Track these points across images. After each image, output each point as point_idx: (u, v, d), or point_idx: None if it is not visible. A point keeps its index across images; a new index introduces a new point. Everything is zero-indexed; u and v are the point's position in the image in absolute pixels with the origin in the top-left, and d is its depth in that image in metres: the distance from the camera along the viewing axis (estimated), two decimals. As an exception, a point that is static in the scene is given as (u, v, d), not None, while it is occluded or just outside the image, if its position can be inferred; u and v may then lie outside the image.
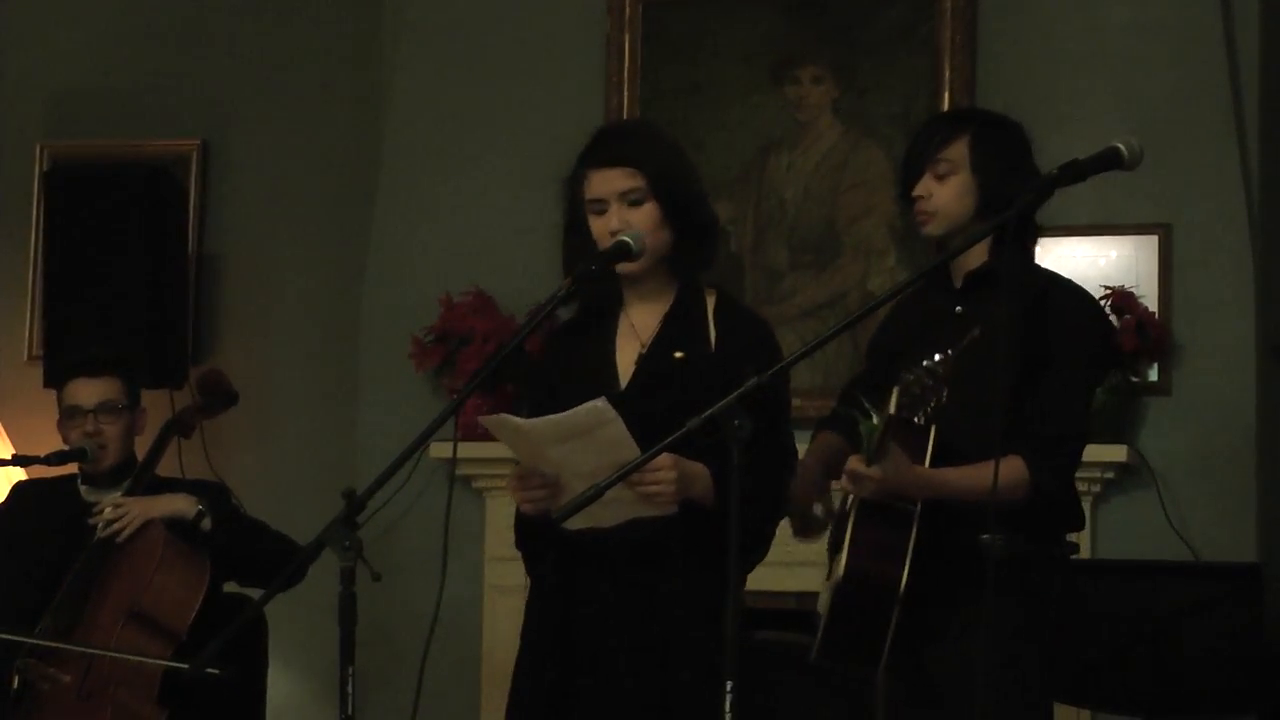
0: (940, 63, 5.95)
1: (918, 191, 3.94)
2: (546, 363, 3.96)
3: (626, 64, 6.21)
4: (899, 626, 3.75)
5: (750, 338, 3.88)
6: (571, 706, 3.79)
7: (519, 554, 4.00)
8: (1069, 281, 4.00)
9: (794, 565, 5.36)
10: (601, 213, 3.84)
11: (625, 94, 6.19)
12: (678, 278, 3.91)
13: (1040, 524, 3.85)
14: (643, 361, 3.84)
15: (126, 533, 4.91)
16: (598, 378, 3.82)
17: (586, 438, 3.61)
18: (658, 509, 3.69)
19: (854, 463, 3.78)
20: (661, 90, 6.18)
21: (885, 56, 6.02)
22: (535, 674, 3.86)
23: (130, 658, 4.81)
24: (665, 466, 3.65)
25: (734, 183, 6.08)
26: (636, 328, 3.89)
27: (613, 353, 3.88)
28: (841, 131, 6.05)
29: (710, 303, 3.92)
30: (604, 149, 3.88)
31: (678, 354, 3.83)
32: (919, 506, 3.78)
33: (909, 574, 3.73)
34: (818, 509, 4.06)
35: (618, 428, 3.58)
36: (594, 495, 3.41)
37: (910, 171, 3.97)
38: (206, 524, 4.95)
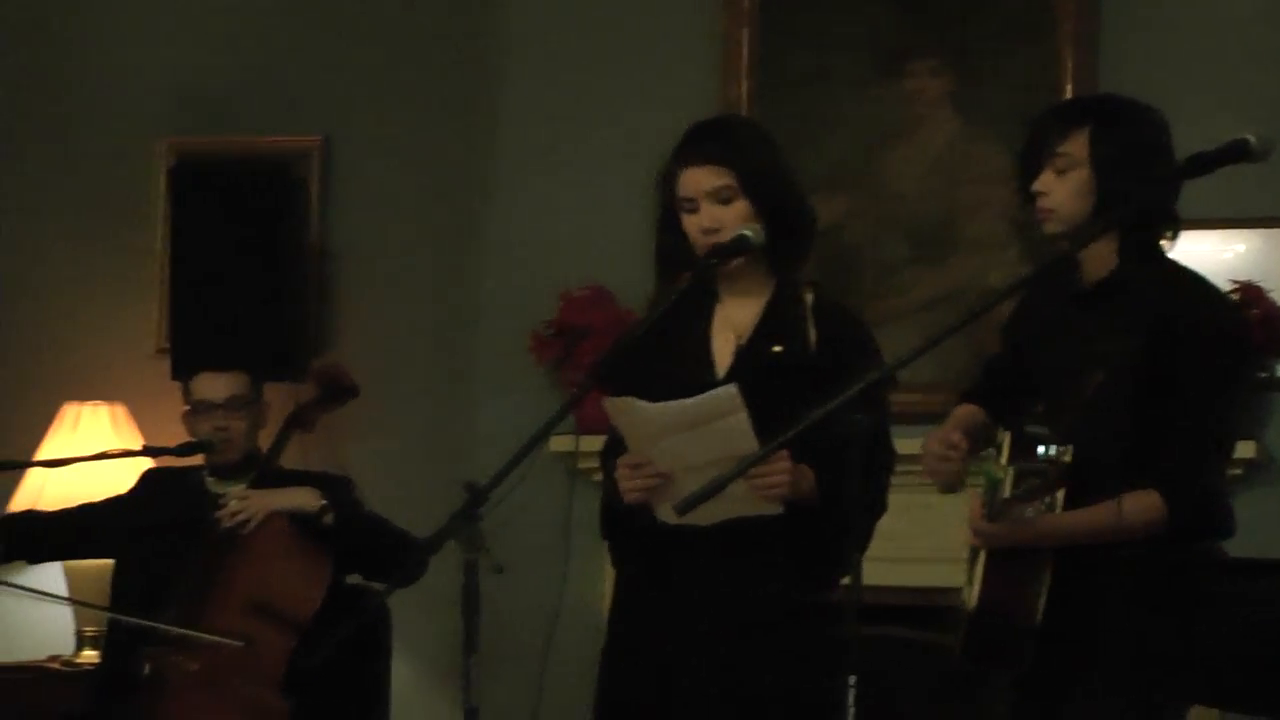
0: (1061, 53, 5.90)
1: (1037, 187, 3.77)
2: (642, 355, 3.92)
3: (743, 58, 6.20)
4: (1037, 656, 3.65)
5: (851, 337, 3.87)
6: (669, 704, 3.78)
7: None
8: (1204, 285, 3.76)
9: (910, 561, 5.37)
10: (693, 211, 3.85)
11: (741, 87, 6.18)
12: (774, 273, 3.90)
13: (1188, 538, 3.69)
14: (740, 354, 3.84)
15: (250, 526, 4.96)
16: (694, 370, 3.82)
17: (707, 427, 3.61)
18: (766, 507, 3.68)
19: (975, 514, 3.66)
20: (777, 83, 6.17)
21: (1004, 47, 5.98)
22: (629, 670, 3.85)
23: (219, 641, 4.84)
24: (781, 458, 3.65)
25: (850, 176, 6.06)
26: (732, 321, 3.89)
27: (709, 345, 3.88)
28: (960, 124, 6.02)
29: (808, 300, 3.91)
30: (693, 147, 3.88)
31: (776, 348, 3.83)
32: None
33: (1046, 606, 3.63)
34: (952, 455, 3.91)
35: (742, 418, 3.58)
36: (717, 487, 3.41)
37: (1029, 166, 3.81)
38: (329, 519, 4.99)
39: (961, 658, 3.78)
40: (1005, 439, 3.64)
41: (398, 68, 6.74)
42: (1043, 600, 3.63)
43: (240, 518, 4.96)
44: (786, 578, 3.76)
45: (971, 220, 5.97)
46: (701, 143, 3.88)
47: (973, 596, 3.72)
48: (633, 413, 3.69)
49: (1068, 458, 3.49)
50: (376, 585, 5.12)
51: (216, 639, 4.82)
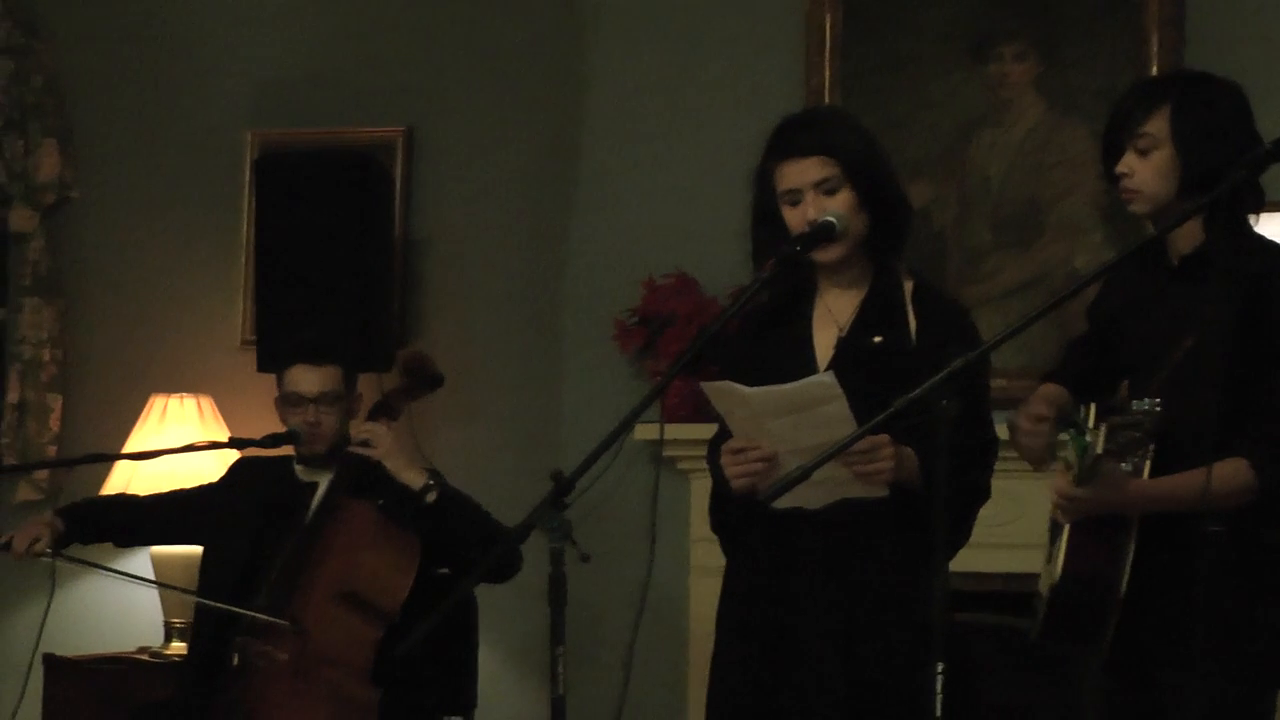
0: (1147, 35, 5.86)
1: (1120, 169, 3.76)
2: (742, 346, 3.93)
3: (827, 43, 6.17)
4: (1120, 629, 3.63)
5: (951, 326, 3.84)
6: (778, 690, 3.78)
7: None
8: None
9: (1001, 547, 5.33)
10: (796, 203, 3.83)
11: (825, 73, 6.16)
12: (874, 263, 3.89)
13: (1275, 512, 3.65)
14: (842, 345, 3.82)
15: (369, 451, 5.01)
16: (795, 360, 3.81)
17: (807, 413, 3.60)
18: (871, 490, 3.67)
19: (1062, 483, 3.64)
20: (861, 70, 6.14)
21: (1089, 31, 5.94)
22: (739, 657, 3.84)
23: (272, 621, 4.86)
24: (883, 444, 3.63)
25: (936, 162, 6.03)
26: (833, 312, 3.87)
27: (810, 336, 3.87)
28: (1045, 108, 5.98)
29: (908, 289, 3.89)
30: (794, 139, 3.86)
31: (876, 338, 3.81)
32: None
33: (1130, 577, 3.61)
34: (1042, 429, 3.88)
35: (841, 405, 3.57)
36: (801, 476, 3.40)
37: (1111, 147, 3.80)
38: (431, 497, 5.00)
39: (1039, 639, 3.76)
40: (1090, 410, 3.61)
41: (481, 57, 6.75)
42: (1127, 574, 3.61)
43: (364, 450, 5.01)
44: (893, 563, 3.74)
45: (1057, 204, 5.94)
46: (800, 134, 3.87)
47: (1056, 571, 3.70)
48: (731, 397, 3.68)
49: (1160, 410, 3.46)
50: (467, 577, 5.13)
51: (269, 619, 4.85)
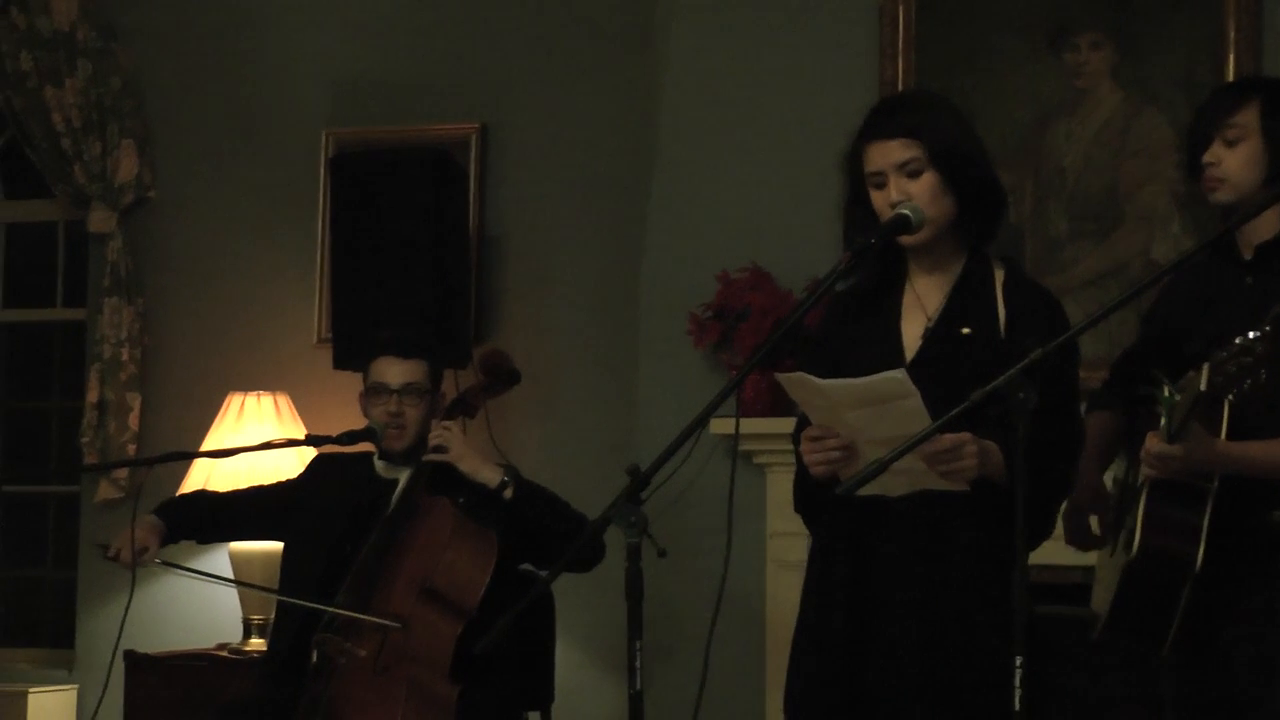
0: (1224, 25, 5.81)
1: (1207, 158, 3.82)
2: (828, 334, 3.91)
3: (901, 34, 6.15)
4: (1189, 605, 3.65)
5: (1042, 317, 3.80)
6: (857, 676, 3.76)
7: (800, 528, 3.98)
8: None
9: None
10: (880, 185, 3.81)
11: (900, 65, 6.14)
12: (964, 248, 3.86)
13: None
14: (929, 336, 3.79)
15: (442, 455, 5.04)
16: (882, 350, 3.78)
17: (882, 406, 3.58)
18: (953, 485, 3.65)
19: (1154, 442, 3.64)
20: (937, 60, 6.12)
21: (1166, 20, 5.89)
22: (819, 643, 3.82)
23: (379, 622, 4.87)
24: (966, 443, 3.61)
25: (1012, 152, 6.00)
26: (922, 300, 3.84)
27: (898, 325, 3.84)
28: (1122, 97, 5.95)
29: (999, 277, 3.86)
30: (880, 121, 3.84)
31: (965, 330, 3.78)
32: (1216, 483, 3.66)
33: (1205, 551, 3.63)
34: (1093, 523, 3.97)
35: (915, 402, 3.54)
36: (878, 470, 3.38)
37: (1198, 137, 3.86)
38: (509, 494, 5.01)
39: (1106, 630, 3.76)
40: (1204, 368, 3.53)
41: (555, 52, 6.75)
42: (1202, 548, 3.63)
43: (437, 445, 5.03)
44: (974, 554, 3.72)
45: (1134, 194, 5.90)
46: (888, 116, 3.85)
47: (1132, 548, 3.71)
48: (807, 388, 3.67)
49: (1267, 345, 3.43)
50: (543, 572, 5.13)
51: (377, 620, 4.85)
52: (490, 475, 5.04)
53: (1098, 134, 5.96)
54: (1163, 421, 3.60)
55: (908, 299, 3.86)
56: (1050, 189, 5.99)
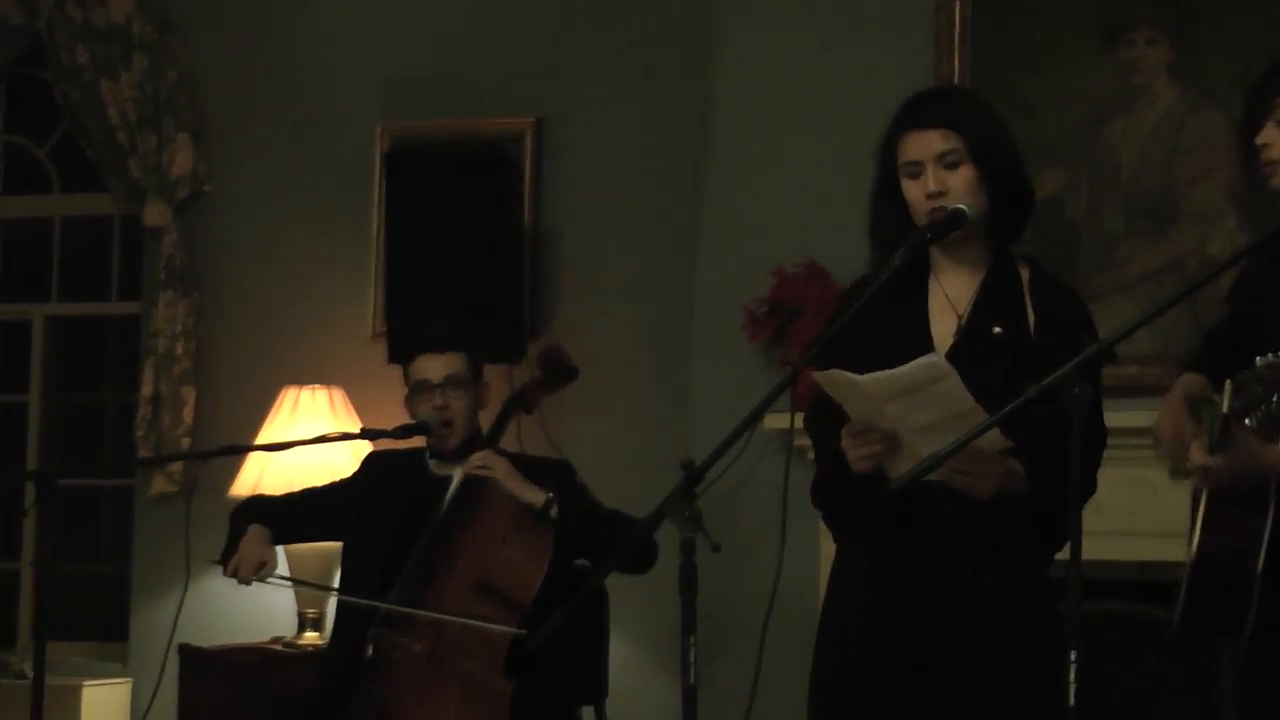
0: (1281, 20, 5.82)
1: (1260, 139, 3.72)
2: (852, 334, 3.83)
3: (957, 29, 6.15)
4: (1261, 609, 3.57)
5: (1070, 314, 3.82)
6: (895, 674, 3.78)
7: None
8: None
9: (1134, 535, 5.31)
10: (916, 175, 3.81)
11: (955, 60, 6.14)
12: (992, 246, 3.87)
13: None
14: (962, 335, 3.79)
15: (486, 473, 5.04)
16: (914, 349, 3.77)
17: (921, 393, 3.57)
18: (965, 488, 3.67)
19: (1196, 453, 3.58)
20: (992, 56, 6.12)
21: (1222, 15, 5.89)
22: (848, 641, 3.84)
23: (471, 622, 4.90)
24: (990, 461, 3.62)
25: (1067, 148, 6.00)
26: (950, 297, 3.84)
27: (926, 322, 3.84)
28: (1178, 93, 5.94)
29: (1025, 276, 3.87)
30: (919, 111, 3.84)
31: (996, 329, 3.79)
32: (1278, 483, 3.58)
33: (1266, 555, 3.54)
34: (1195, 450, 3.84)
35: (953, 382, 3.55)
36: (933, 465, 3.40)
37: (1251, 121, 3.75)
38: (554, 513, 5.03)
39: (1180, 628, 3.72)
40: (1227, 386, 3.55)
41: (610, 48, 6.78)
42: (1264, 551, 3.55)
43: (482, 472, 5.04)
44: (1009, 554, 3.74)
45: (1191, 190, 5.89)
46: (928, 107, 3.86)
47: (1191, 551, 3.65)
48: (843, 384, 3.68)
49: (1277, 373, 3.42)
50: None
51: (443, 617, 4.88)
52: (535, 496, 5.06)
53: (1153, 130, 5.96)
54: (1207, 432, 3.53)
55: (935, 294, 3.86)
56: (1105, 186, 5.98)
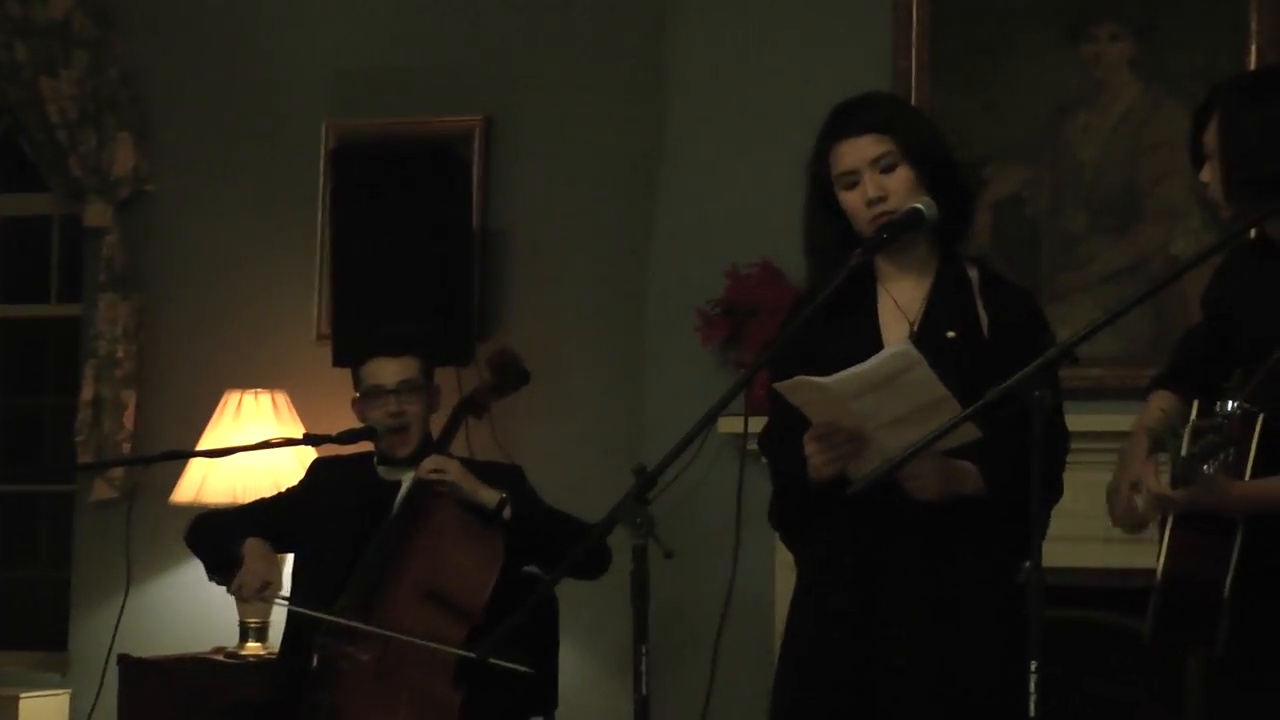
0: (1246, 15, 5.79)
1: (1202, 177, 3.79)
2: (800, 341, 3.81)
3: (915, 26, 6.13)
4: (1232, 629, 3.54)
5: (1022, 314, 3.82)
6: (859, 686, 3.75)
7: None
8: None
9: (1095, 540, 5.28)
10: (853, 185, 3.80)
11: (914, 57, 6.12)
12: (938, 249, 3.85)
13: None
14: (915, 341, 3.77)
15: (440, 488, 5.01)
16: (865, 355, 3.76)
17: (890, 386, 3.57)
18: (913, 491, 3.65)
19: (1153, 483, 3.57)
20: (951, 52, 6.10)
21: (1186, 10, 5.88)
22: (822, 642, 3.81)
23: (418, 641, 4.87)
24: (926, 474, 3.62)
25: (1029, 145, 5.99)
26: (900, 305, 3.83)
27: (877, 330, 3.83)
28: (1141, 89, 5.93)
29: (974, 277, 3.85)
30: (847, 120, 3.84)
31: (950, 333, 3.77)
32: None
33: (1234, 578, 3.51)
34: (1140, 501, 3.89)
35: (923, 370, 3.54)
36: (893, 468, 3.38)
37: (1194, 154, 3.82)
38: (506, 513, 5.01)
39: (1151, 639, 3.70)
40: (1194, 407, 3.56)
41: (560, 44, 6.75)
42: (1231, 575, 3.53)
43: (435, 475, 5.01)
44: (972, 560, 3.72)
45: (1154, 188, 5.88)
46: (854, 115, 3.86)
47: (1158, 571, 3.64)
48: (808, 390, 3.65)
49: (1247, 416, 3.42)
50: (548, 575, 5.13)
51: (381, 630, 4.85)
52: (488, 496, 5.04)
53: (1116, 127, 5.95)
54: (1171, 464, 3.51)
55: (884, 302, 3.85)
56: (1067, 183, 5.97)
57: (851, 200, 3.80)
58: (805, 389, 3.65)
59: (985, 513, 3.69)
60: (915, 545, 3.72)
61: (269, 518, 5.32)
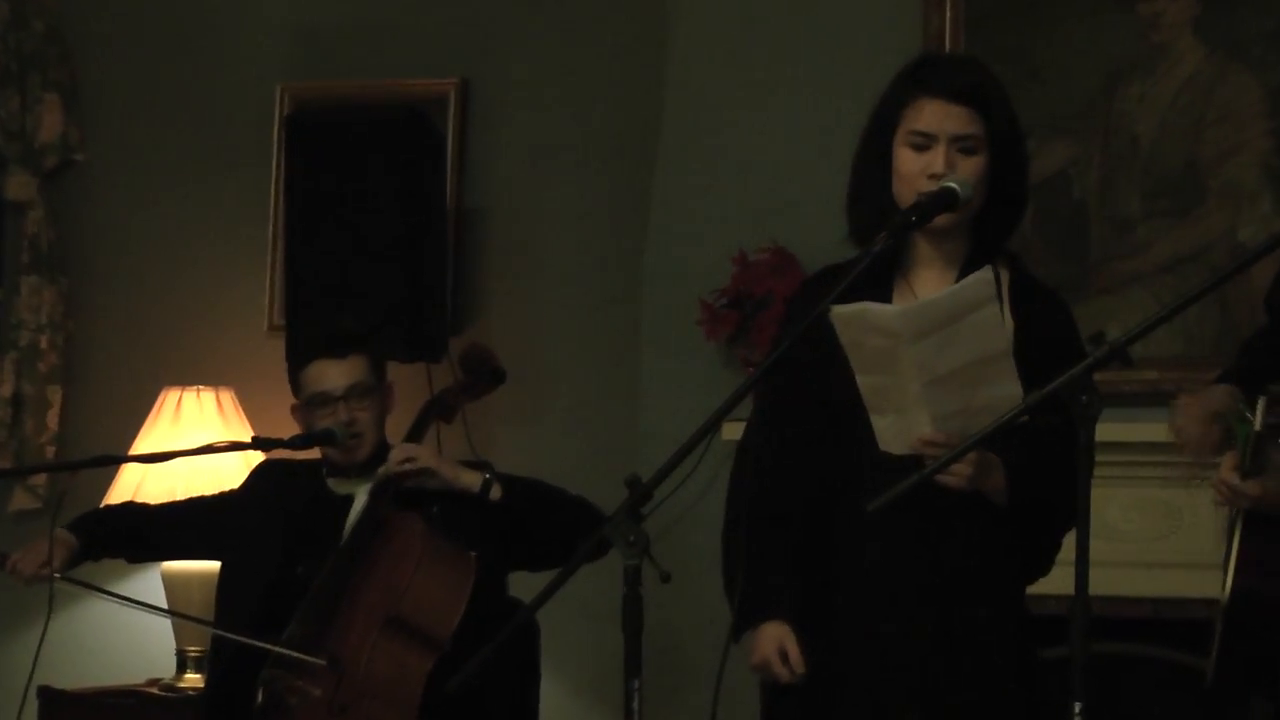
0: (1324, -31, 5.83)
1: None
2: (812, 332, 3.82)
3: (950, -19, 6.16)
4: None
5: (1052, 326, 3.86)
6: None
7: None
8: None
9: (1152, 567, 5.30)
10: (923, 148, 3.82)
11: (947, 14, 6.12)
12: (970, 243, 3.87)
13: None
14: None
15: (413, 480, 5.03)
16: None
17: (956, 326, 3.60)
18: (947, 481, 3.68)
19: (1227, 472, 3.63)
20: (990, 9, 6.11)
21: (1258, -38, 5.90)
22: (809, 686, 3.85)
23: (304, 659, 4.88)
24: (968, 460, 3.64)
25: (1077, 118, 6.00)
26: (919, 298, 3.85)
27: None
28: (1205, 54, 5.94)
29: (1005, 278, 3.87)
30: (945, 79, 3.87)
31: None
32: None
33: None
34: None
35: (994, 311, 3.58)
36: (917, 480, 3.41)
37: None
38: (496, 492, 5.02)
39: (1215, 682, 3.71)
40: (1261, 401, 3.58)
41: (548, -1, 6.76)
42: None
43: (408, 467, 5.02)
44: (983, 584, 3.74)
45: (1218, 167, 5.89)
46: (955, 76, 3.89)
47: (1225, 592, 3.67)
48: (866, 323, 3.66)
49: None
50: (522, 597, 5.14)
51: (295, 654, 4.86)
52: (471, 479, 5.06)
53: (1176, 97, 5.96)
54: (1240, 453, 3.57)
55: (901, 296, 3.89)
56: (1121, 161, 5.98)
57: (912, 162, 3.83)
58: (860, 323, 3.66)
59: (998, 535, 3.71)
60: (921, 573, 3.76)
61: (188, 519, 5.37)
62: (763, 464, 3.97)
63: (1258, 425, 3.51)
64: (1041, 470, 3.51)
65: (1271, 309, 3.96)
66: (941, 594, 3.76)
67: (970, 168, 3.80)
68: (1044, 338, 3.80)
